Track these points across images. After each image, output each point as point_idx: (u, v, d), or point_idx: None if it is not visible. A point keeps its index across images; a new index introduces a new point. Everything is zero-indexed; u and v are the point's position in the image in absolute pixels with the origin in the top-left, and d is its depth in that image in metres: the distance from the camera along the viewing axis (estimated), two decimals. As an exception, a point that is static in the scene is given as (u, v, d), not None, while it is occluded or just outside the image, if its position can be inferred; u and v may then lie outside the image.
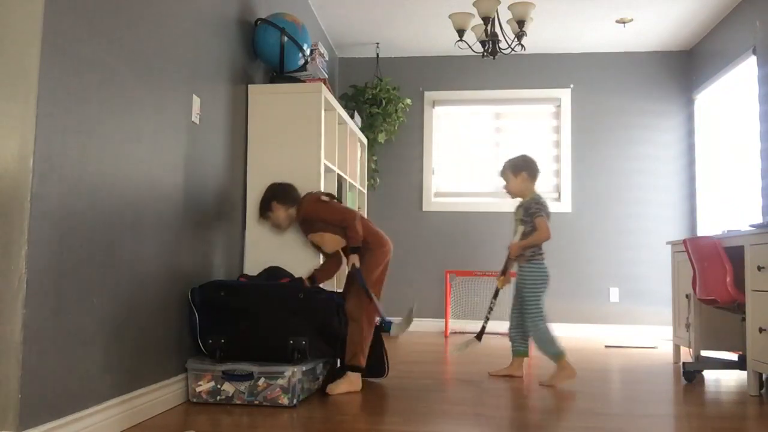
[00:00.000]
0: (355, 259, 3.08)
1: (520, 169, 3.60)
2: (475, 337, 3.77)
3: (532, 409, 2.90)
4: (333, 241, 3.16)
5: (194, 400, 2.77)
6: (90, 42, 2.13)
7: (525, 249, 3.52)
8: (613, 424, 2.63)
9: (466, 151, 6.29)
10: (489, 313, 3.74)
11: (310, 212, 3.12)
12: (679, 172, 5.95)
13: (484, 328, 3.76)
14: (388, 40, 5.96)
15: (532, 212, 3.52)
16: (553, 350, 3.45)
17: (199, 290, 2.85)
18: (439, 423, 2.60)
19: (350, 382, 3.07)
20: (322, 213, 3.11)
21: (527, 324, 3.54)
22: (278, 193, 3.15)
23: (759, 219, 4.36)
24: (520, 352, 3.65)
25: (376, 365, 3.32)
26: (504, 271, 3.68)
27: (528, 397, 3.16)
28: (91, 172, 2.14)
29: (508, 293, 3.83)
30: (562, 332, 5.84)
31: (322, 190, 3.42)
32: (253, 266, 3.45)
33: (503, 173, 3.67)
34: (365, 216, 3.38)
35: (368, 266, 3.13)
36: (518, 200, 3.68)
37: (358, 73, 6.19)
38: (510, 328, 3.69)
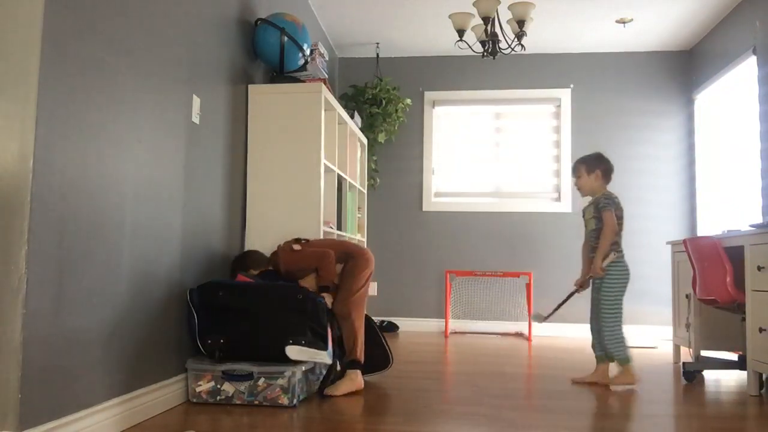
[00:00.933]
0: (327, 299, 3.12)
1: (595, 167, 3.55)
2: (546, 316, 3.80)
3: (532, 408, 2.89)
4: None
5: (194, 400, 2.77)
6: (90, 42, 2.13)
7: (605, 258, 3.42)
8: (614, 424, 2.63)
9: (466, 151, 6.29)
10: (558, 308, 3.74)
11: (289, 264, 3.20)
12: (679, 172, 5.95)
13: (548, 317, 3.80)
14: (388, 40, 5.96)
15: (600, 207, 3.46)
16: (623, 354, 3.40)
17: (197, 290, 2.85)
18: (439, 423, 2.60)
19: (351, 381, 3.08)
20: (300, 263, 3.21)
21: (601, 322, 3.44)
22: (250, 262, 3.24)
23: (759, 219, 4.36)
24: (603, 358, 3.52)
25: (380, 356, 3.33)
26: (584, 283, 3.61)
27: (528, 397, 3.16)
28: (91, 172, 2.14)
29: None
30: (562, 332, 5.87)
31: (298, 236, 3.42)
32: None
33: (576, 169, 3.60)
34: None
35: (353, 271, 3.21)
36: (587, 199, 3.64)
37: (358, 73, 6.19)
38: (592, 334, 3.58)
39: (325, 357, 2.88)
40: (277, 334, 2.80)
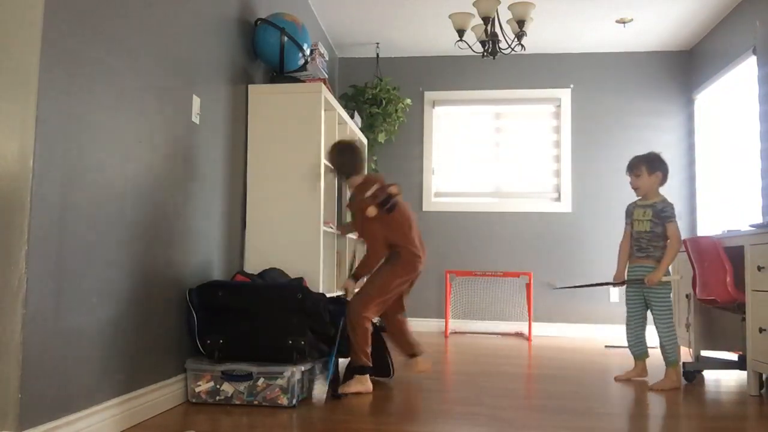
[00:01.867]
0: (349, 285, 3.13)
1: (657, 168, 3.55)
2: (562, 287, 3.82)
3: (532, 408, 2.89)
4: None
5: (193, 400, 2.77)
6: (90, 42, 2.13)
7: (665, 270, 3.44)
8: (613, 424, 2.63)
9: (466, 151, 6.29)
10: (582, 286, 3.80)
11: (356, 212, 3.18)
12: (679, 172, 5.94)
13: (565, 287, 3.93)
14: (388, 40, 5.96)
15: (666, 215, 3.47)
16: (675, 356, 3.46)
17: (196, 290, 2.85)
18: (439, 423, 2.60)
19: (360, 383, 3.07)
20: (359, 223, 3.18)
21: (662, 325, 3.46)
22: (342, 161, 3.22)
23: (759, 219, 4.36)
24: (643, 354, 3.60)
25: (381, 367, 3.33)
26: (626, 282, 3.61)
27: (528, 397, 3.16)
28: (91, 171, 2.14)
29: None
30: (563, 332, 5.87)
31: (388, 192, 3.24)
32: (253, 266, 3.46)
33: (635, 167, 3.57)
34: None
35: (387, 273, 3.17)
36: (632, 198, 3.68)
37: (358, 73, 6.19)
38: (629, 333, 3.62)
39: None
40: (276, 334, 2.80)
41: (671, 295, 3.54)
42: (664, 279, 3.47)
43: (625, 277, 3.62)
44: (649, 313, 3.60)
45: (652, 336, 3.59)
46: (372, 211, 3.09)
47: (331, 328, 3.04)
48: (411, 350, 3.40)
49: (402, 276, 3.19)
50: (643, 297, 3.56)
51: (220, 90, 3.24)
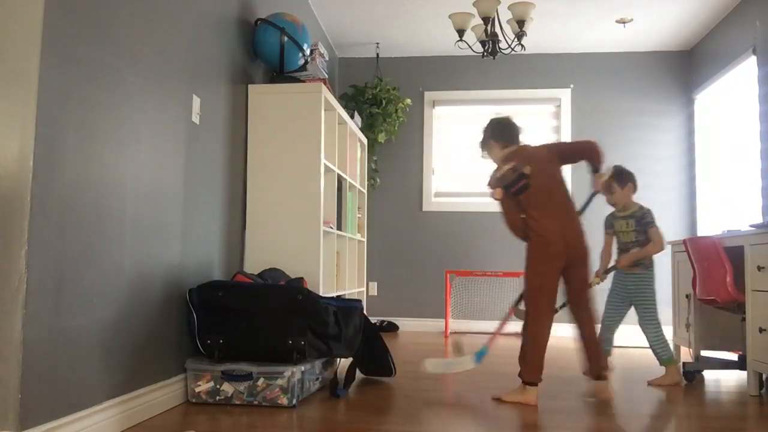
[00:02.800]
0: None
1: (626, 180, 3.65)
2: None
3: (532, 408, 2.89)
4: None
5: (193, 400, 2.77)
6: (90, 42, 2.13)
7: (636, 261, 3.54)
8: (613, 424, 2.63)
9: (466, 151, 6.28)
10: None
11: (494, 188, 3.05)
12: (679, 172, 5.95)
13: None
14: (388, 40, 5.96)
15: (646, 221, 3.56)
16: (667, 354, 3.51)
17: (197, 290, 2.85)
18: (439, 423, 2.60)
19: (520, 394, 2.94)
20: (501, 206, 3.02)
21: (647, 326, 3.53)
22: (496, 132, 3.22)
23: (759, 219, 4.36)
24: (608, 352, 3.66)
25: (382, 366, 3.33)
26: (605, 273, 3.70)
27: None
28: (91, 172, 2.14)
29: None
30: (562, 332, 5.86)
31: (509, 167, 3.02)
32: (253, 266, 3.46)
33: (607, 186, 3.62)
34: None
35: (528, 258, 3.08)
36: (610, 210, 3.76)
37: (358, 73, 6.19)
38: (604, 331, 3.64)
39: (467, 363, 3.06)
40: (276, 334, 2.80)
41: (655, 299, 3.56)
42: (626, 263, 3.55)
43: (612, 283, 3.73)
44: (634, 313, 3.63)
45: (638, 336, 3.63)
46: (498, 194, 2.99)
47: (336, 328, 3.04)
48: (596, 371, 3.08)
49: (540, 264, 2.98)
50: (624, 301, 3.63)
51: (220, 90, 3.24)
